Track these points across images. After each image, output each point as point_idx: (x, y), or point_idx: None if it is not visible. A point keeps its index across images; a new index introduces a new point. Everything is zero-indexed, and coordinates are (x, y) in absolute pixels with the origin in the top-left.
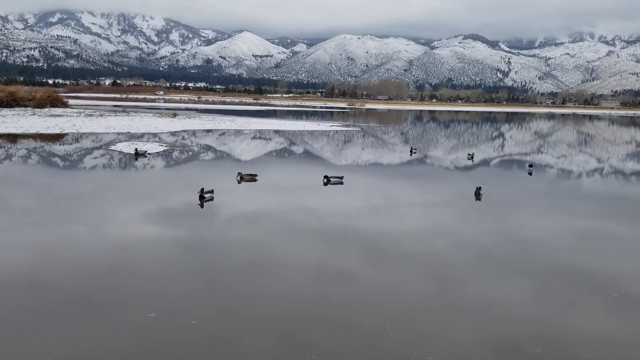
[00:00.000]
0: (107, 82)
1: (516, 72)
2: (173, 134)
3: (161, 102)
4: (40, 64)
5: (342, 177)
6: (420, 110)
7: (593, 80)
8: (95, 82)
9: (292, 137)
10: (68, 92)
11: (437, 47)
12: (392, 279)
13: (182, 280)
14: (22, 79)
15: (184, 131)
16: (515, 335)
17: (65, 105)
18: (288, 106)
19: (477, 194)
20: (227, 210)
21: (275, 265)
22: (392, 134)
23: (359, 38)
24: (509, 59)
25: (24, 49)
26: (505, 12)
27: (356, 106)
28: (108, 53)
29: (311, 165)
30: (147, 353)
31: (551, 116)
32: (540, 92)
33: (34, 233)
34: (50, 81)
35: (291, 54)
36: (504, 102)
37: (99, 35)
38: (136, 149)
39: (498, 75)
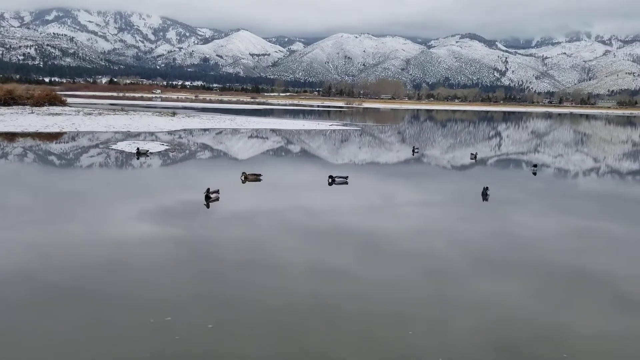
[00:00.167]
0: (104, 80)
1: (513, 71)
2: (173, 132)
3: (158, 101)
4: (37, 62)
5: (347, 177)
6: (418, 110)
7: (590, 79)
8: (92, 81)
9: (292, 136)
10: (65, 91)
11: (434, 46)
12: (410, 279)
13: (193, 281)
14: (18, 77)
15: (184, 130)
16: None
17: (63, 103)
18: (285, 105)
19: (485, 194)
20: (234, 210)
21: (286, 266)
22: (392, 134)
23: (356, 37)
24: (506, 58)
25: (20, 46)
26: (502, 12)
27: (354, 105)
28: (105, 51)
29: (314, 164)
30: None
31: (548, 116)
32: (537, 92)
33: (46, 233)
34: (47, 79)
35: (288, 53)
36: (501, 102)
37: (95, 33)
38: (138, 148)
39: (495, 74)
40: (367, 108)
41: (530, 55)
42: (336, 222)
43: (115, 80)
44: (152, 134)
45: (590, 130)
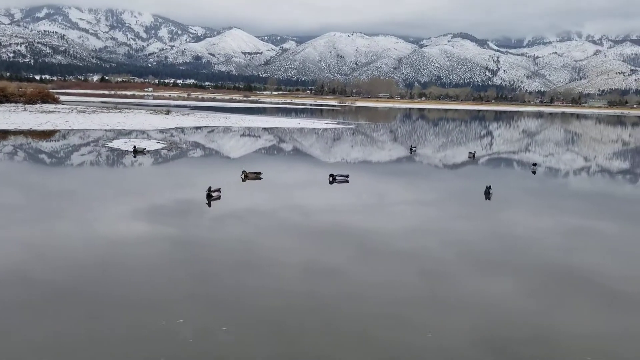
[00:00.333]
0: (95, 78)
1: (505, 70)
2: (168, 130)
3: (150, 99)
4: (27, 60)
5: (348, 175)
6: (410, 109)
7: (580, 79)
8: (83, 79)
9: (288, 134)
10: (56, 89)
11: (426, 46)
12: (410, 279)
13: (193, 281)
14: (8, 74)
15: (179, 128)
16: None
17: (56, 101)
18: (278, 103)
19: (487, 193)
20: (236, 209)
21: (290, 265)
22: (386, 132)
23: (348, 36)
24: (498, 57)
25: (10, 44)
26: (494, 11)
27: (346, 104)
28: (96, 49)
29: (313, 162)
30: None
31: (540, 115)
32: (528, 91)
33: (46, 232)
34: (38, 77)
35: (280, 52)
36: (493, 101)
37: (86, 31)
38: (135, 146)
39: (487, 73)
40: (360, 107)
41: (522, 54)
42: (338, 221)
43: (106, 78)
44: (147, 132)
45: (581, 129)
